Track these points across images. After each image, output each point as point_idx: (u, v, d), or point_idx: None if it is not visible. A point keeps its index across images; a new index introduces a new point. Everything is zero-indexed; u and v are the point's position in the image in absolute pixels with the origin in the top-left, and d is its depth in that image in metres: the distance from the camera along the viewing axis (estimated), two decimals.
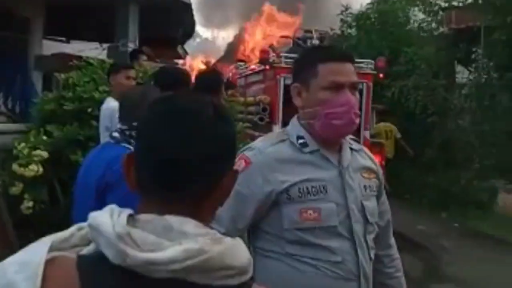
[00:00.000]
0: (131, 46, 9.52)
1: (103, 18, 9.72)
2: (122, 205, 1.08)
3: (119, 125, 2.80)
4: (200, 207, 1.11)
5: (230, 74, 14.66)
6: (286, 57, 11.21)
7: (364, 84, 10.71)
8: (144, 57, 7.66)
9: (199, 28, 26.35)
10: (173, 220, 1.04)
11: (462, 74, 13.68)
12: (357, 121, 2.12)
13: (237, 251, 1.06)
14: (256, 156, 2.08)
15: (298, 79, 2.12)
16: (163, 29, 11.06)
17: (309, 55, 2.20)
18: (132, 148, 2.35)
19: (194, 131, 1.09)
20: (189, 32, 11.63)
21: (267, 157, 2.08)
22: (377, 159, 9.76)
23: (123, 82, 5.10)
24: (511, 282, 7.10)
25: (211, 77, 4.47)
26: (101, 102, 5.44)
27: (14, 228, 5.29)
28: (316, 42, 12.28)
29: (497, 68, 11.37)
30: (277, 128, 10.81)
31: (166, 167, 1.07)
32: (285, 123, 11.86)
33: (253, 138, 8.31)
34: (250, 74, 12.88)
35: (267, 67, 11.23)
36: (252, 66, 12.92)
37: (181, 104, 1.14)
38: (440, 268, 7.85)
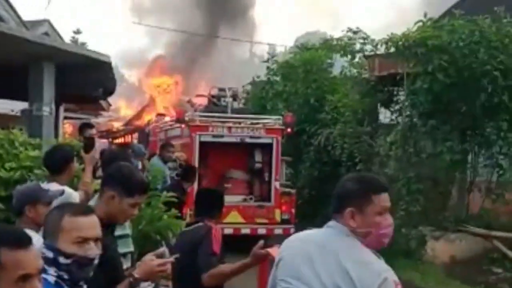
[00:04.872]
0: (46, 110, 9.07)
1: (17, 80, 9.22)
2: None
3: None
4: None
5: (151, 127, 14.66)
6: (201, 116, 11.72)
7: (274, 139, 11.74)
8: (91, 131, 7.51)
9: (125, 71, 26.20)
10: None
11: (385, 115, 13.89)
12: None
13: None
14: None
15: (350, 205, 2.55)
16: (82, 89, 10.65)
17: (361, 187, 2.61)
18: None
19: None
20: (110, 90, 11.28)
21: None
22: (287, 208, 9.81)
23: None
24: None
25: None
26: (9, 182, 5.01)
27: None
28: (229, 99, 12.79)
29: (421, 115, 11.54)
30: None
31: None
32: (199, 179, 11.34)
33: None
34: (169, 129, 13.02)
35: (183, 125, 11.51)
36: (170, 122, 13.20)
37: None
38: None
